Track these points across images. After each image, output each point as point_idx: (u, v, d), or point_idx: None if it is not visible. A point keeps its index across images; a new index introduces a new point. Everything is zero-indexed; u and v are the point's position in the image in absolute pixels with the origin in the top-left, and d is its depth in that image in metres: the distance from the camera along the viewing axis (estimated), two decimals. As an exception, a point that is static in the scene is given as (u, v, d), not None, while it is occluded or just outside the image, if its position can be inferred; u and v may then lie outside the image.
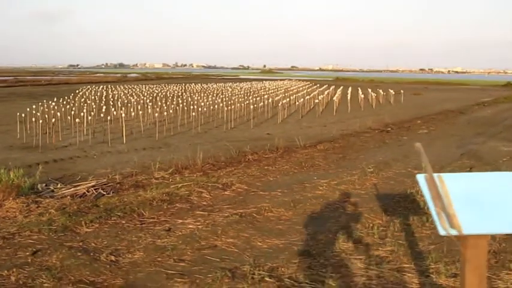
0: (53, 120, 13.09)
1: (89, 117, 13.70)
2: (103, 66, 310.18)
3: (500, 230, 2.35)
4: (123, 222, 5.68)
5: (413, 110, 23.58)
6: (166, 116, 16.09)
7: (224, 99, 23.31)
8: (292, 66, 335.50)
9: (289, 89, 34.71)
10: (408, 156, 10.66)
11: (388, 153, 10.98)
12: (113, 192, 7.04)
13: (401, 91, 31.87)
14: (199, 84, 40.84)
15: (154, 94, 27.95)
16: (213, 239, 5.14)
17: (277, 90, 32.88)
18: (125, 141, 12.48)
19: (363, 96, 24.79)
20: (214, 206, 6.48)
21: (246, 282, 4.01)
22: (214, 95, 28.26)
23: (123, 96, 26.01)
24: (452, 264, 4.41)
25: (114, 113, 16.25)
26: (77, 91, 28.80)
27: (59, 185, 7.40)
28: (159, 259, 4.57)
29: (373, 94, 27.62)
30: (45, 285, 3.93)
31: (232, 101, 21.29)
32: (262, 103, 21.15)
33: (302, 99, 21.49)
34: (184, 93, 30.25)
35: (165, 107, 18.46)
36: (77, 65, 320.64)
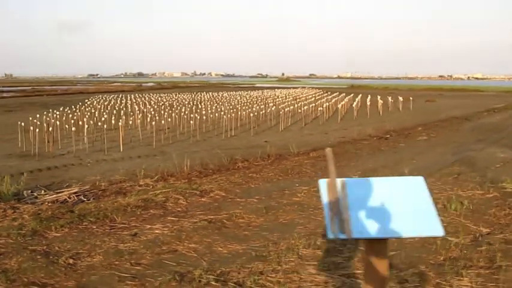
0: (50, 129, 13.36)
1: (86, 126, 13.91)
2: (122, 76, 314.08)
3: (392, 235, 2.39)
4: (94, 227, 5.82)
5: (420, 116, 23.44)
6: (166, 124, 16.28)
7: (229, 107, 23.48)
8: (310, 74, 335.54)
9: (297, 97, 34.75)
10: (399, 163, 10.65)
11: (379, 160, 10.98)
12: (93, 199, 7.20)
13: (411, 98, 31.67)
14: (210, 93, 41.13)
15: (162, 103, 28.26)
16: (175, 244, 5.24)
17: (285, 98, 32.94)
18: (121, 150, 12.69)
19: (369, 103, 24.70)
20: (187, 212, 6.58)
21: (191, 286, 4.10)
22: (222, 103, 28.46)
23: (131, 105, 26.36)
24: (405, 271, 4.45)
25: (119, 122, 16.51)
26: (86, 100, 29.28)
27: (42, 191, 7.59)
28: (117, 262, 4.69)
29: (381, 101, 27.49)
30: (-2, 286, 4.07)
31: (237, 109, 21.44)
32: (265, 111, 21.26)
33: (306, 107, 21.51)
34: (191, 102, 30.52)
35: (169, 116, 18.66)
36: (97, 75, 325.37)
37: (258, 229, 5.91)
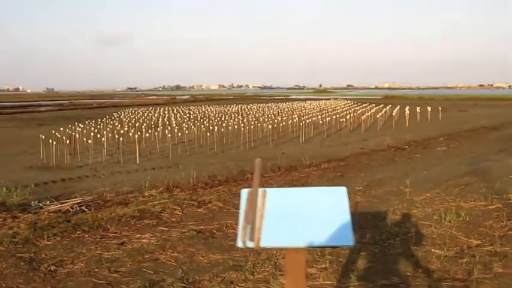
0: (68, 142, 13.82)
1: (103, 139, 14.32)
2: (160, 89, 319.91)
3: (301, 244, 2.45)
4: (86, 236, 6.04)
5: (446, 127, 23.03)
6: (186, 137, 16.57)
7: (253, 119, 23.67)
8: (348, 85, 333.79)
9: (324, 109, 34.66)
10: (409, 174, 10.52)
11: (390, 172, 10.88)
12: (94, 209, 7.45)
13: (440, 108, 31.10)
14: (239, 106, 41.46)
15: (188, 116, 28.72)
16: (158, 253, 5.39)
17: (312, 110, 32.92)
18: (138, 162, 13.00)
19: (395, 114, 24.43)
20: (180, 222, 6.73)
21: (158, 293, 4.23)
22: (247, 115, 28.69)
23: (157, 118, 26.91)
24: (377, 282, 4.45)
25: (136, 135, 16.92)
26: (114, 114, 30.06)
27: (48, 202, 7.90)
28: (96, 270, 4.86)
29: (408, 112, 27.15)
30: (-22, 291, 4.30)
31: (260, 122, 21.59)
32: (288, 123, 21.32)
33: (329, 119, 21.48)
34: (217, 115, 30.87)
35: (191, 128, 18.98)
36: (135, 88, 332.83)
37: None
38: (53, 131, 15.95)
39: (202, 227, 6.43)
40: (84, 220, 6.63)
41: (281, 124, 20.88)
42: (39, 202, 7.95)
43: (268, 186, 7.83)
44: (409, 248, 5.52)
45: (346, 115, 23.72)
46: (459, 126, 22.89)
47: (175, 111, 33.99)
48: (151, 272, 4.83)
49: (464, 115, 33.24)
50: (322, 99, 57.43)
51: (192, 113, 31.72)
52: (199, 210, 7.39)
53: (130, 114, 30.53)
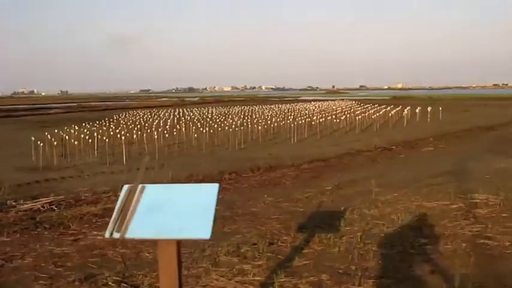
0: (55, 143, 14.15)
1: (90, 141, 14.62)
2: (173, 91, 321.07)
3: (163, 236, 2.64)
4: (46, 233, 6.29)
5: (443, 127, 23.03)
6: (178, 138, 16.83)
7: (250, 121, 23.87)
8: (360, 86, 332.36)
9: (325, 110, 34.76)
10: (385, 174, 10.68)
11: (367, 172, 11.03)
12: (63, 208, 7.71)
13: (440, 108, 31.01)
14: (244, 107, 41.71)
15: (188, 117, 29.02)
16: (107, 249, 5.61)
17: (313, 111, 33.04)
18: (125, 163, 13.28)
19: (391, 114, 24.49)
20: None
21: (89, 286, 4.45)
22: (248, 116, 28.90)
23: (155, 120, 27.24)
24: (306, 279, 4.63)
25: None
26: (115, 116, 30.50)
27: (22, 200, 8.19)
28: (43, 264, 5.10)
29: (405, 112, 27.18)
30: None
31: (256, 123, 21.78)
32: (285, 123, 21.49)
33: (323, 119, 21.63)
34: (217, 116, 31.12)
35: (184, 129, 19.25)
36: (148, 90, 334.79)
37: (197, 237, 6.19)
38: (46, 133, 16.30)
39: (159, 225, 6.64)
40: (48, 218, 6.89)
41: (277, 125, 21.00)
42: (14, 201, 8.24)
43: (238, 186, 8.08)
44: (351, 246, 5.66)
45: (342, 116, 23.82)
46: (456, 126, 22.88)
47: (176, 112, 34.31)
48: (95, 267, 5.05)
49: (466, 115, 33.13)
50: (328, 100, 57.47)
51: (192, 114, 32.02)
52: (164, 208, 7.60)
53: (131, 116, 30.93)
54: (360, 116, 23.42)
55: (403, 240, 5.84)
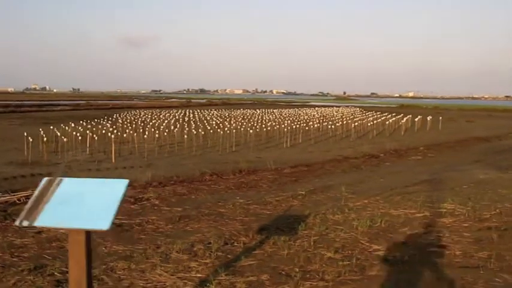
0: (45, 139, 14.44)
1: (79, 137, 14.88)
2: (184, 92, 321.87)
3: (67, 225, 2.83)
4: (13, 224, 6.52)
5: (439, 136, 23.08)
6: (169, 139, 17.06)
7: (247, 124, 24.07)
8: (371, 93, 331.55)
9: (326, 116, 34.88)
10: (364, 181, 10.81)
11: (346, 178, 11.15)
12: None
13: (440, 118, 31.01)
14: (249, 110, 41.94)
15: (187, 119, 29.28)
16: (66, 242, 5.82)
17: (314, 116, 33.18)
18: (114, 161, 13.53)
19: (388, 123, 24.56)
20: (110, 216, 7.17)
21: (36, 277, 4.67)
22: (246, 120, 29.11)
23: (156, 120, 27.55)
24: (246, 278, 4.82)
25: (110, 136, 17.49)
26: (115, 115, 30.86)
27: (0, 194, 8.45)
28: (0, 254, 5.34)
29: (403, 121, 27.23)
30: None
31: (250, 126, 21.98)
32: (280, 127, 21.64)
33: (318, 125, 21.77)
34: (219, 118, 31.37)
35: (184, 130, 19.48)
36: (160, 91, 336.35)
37: (158, 234, 6.40)
38: (40, 129, 16.62)
39: (125, 221, 6.87)
40: (19, 211, 7.05)
41: (273, 129, 21.17)
42: (-6, 194, 8.49)
43: (215, 188, 8.29)
44: (302, 249, 5.82)
45: (339, 122, 23.94)
46: (452, 137, 22.91)
47: (177, 114, 34.61)
48: (49, 258, 5.27)
49: (467, 126, 33.05)
50: (333, 107, 57.56)
51: (192, 116, 32.30)
52: (133, 206, 7.83)
53: (132, 116, 31.27)
54: (356, 123, 23.54)
55: (354, 246, 6.00)
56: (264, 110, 42.90)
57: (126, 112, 34.12)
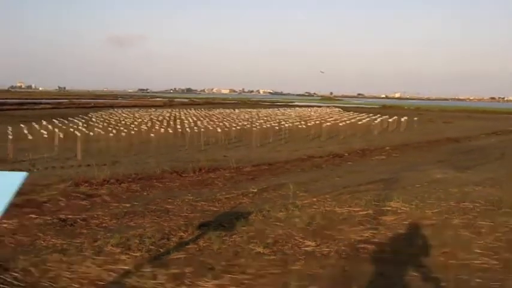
0: (11, 137, 14.55)
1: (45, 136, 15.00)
2: (171, 91, 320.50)
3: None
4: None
5: (411, 137, 23.47)
6: (136, 137, 17.22)
7: (220, 123, 24.27)
8: (358, 94, 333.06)
9: (302, 116, 35.23)
10: (319, 179, 11.07)
11: (302, 177, 11.40)
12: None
13: (415, 118, 31.49)
14: (225, 110, 42.13)
15: (162, 118, 29.40)
16: (8, 236, 6.01)
17: (291, 117, 33.51)
18: (79, 158, 13.67)
19: (360, 123, 24.91)
20: (57, 211, 7.36)
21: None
22: (222, 120, 29.33)
23: (128, 119, 27.63)
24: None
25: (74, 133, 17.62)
26: (90, 113, 30.92)
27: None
28: None
29: (376, 122, 27.63)
30: None
31: (225, 126, 22.19)
32: (255, 127, 21.88)
33: (290, 125, 22.07)
34: (192, 117, 31.51)
35: (155, 128, 19.64)
36: (146, 89, 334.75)
37: (100, 229, 6.60)
38: (9, 127, 16.69)
39: (70, 217, 7.04)
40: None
41: (242, 128, 21.40)
42: None
43: (170, 185, 8.49)
44: (235, 244, 6.03)
45: (310, 122, 24.24)
46: (424, 137, 23.31)
47: (156, 113, 34.73)
48: (-10, 249, 5.46)
49: (443, 127, 33.60)
50: (315, 107, 57.98)
51: (168, 115, 32.43)
52: (83, 202, 8.01)
53: (109, 114, 31.34)
54: (329, 123, 23.87)
55: (287, 242, 6.21)
56: (242, 110, 43.14)
57: (103, 111, 34.11)
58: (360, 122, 25.23)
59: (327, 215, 7.64)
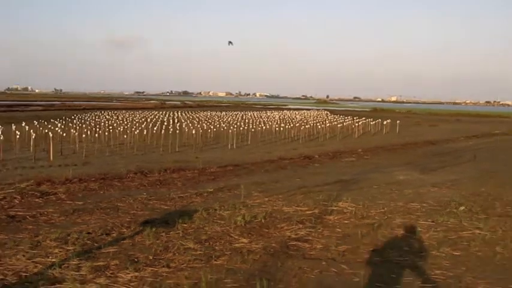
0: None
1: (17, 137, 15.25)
2: (167, 94, 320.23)
3: None
4: None
5: (390, 140, 23.83)
6: (115, 139, 17.51)
7: (198, 125, 24.53)
8: (354, 97, 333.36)
9: (287, 119, 35.56)
10: (279, 181, 11.34)
11: (263, 178, 11.68)
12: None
13: (398, 121, 31.83)
14: (212, 112, 42.44)
15: (147, 120, 29.68)
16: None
17: (274, 119, 33.83)
18: (51, 159, 13.97)
19: (340, 126, 25.19)
20: (9, 208, 7.65)
21: None
22: (204, 122, 29.63)
23: (113, 121, 27.91)
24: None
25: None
26: (75, 115, 31.19)
27: None
28: None
29: (360, 124, 27.95)
30: None
31: (202, 128, 22.48)
32: (236, 129, 22.17)
33: (277, 128, 22.39)
34: (176, 120, 31.81)
35: (134, 131, 19.92)
36: (143, 92, 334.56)
37: (46, 225, 6.87)
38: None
39: (20, 213, 7.33)
40: None
41: (219, 129, 21.67)
42: None
43: (128, 185, 8.76)
44: (168, 240, 6.30)
45: (289, 125, 24.56)
46: (403, 140, 23.65)
47: (142, 115, 35.00)
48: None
49: (428, 129, 33.98)
50: (303, 110, 58.38)
51: (153, 117, 32.72)
52: (38, 200, 8.30)
53: (94, 117, 31.64)
54: (307, 126, 24.19)
55: (221, 239, 6.46)
56: (228, 113, 43.46)
57: (90, 113, 34.43)
58: (339, 125, 25.49)
59: (272, 214, 7.86)
